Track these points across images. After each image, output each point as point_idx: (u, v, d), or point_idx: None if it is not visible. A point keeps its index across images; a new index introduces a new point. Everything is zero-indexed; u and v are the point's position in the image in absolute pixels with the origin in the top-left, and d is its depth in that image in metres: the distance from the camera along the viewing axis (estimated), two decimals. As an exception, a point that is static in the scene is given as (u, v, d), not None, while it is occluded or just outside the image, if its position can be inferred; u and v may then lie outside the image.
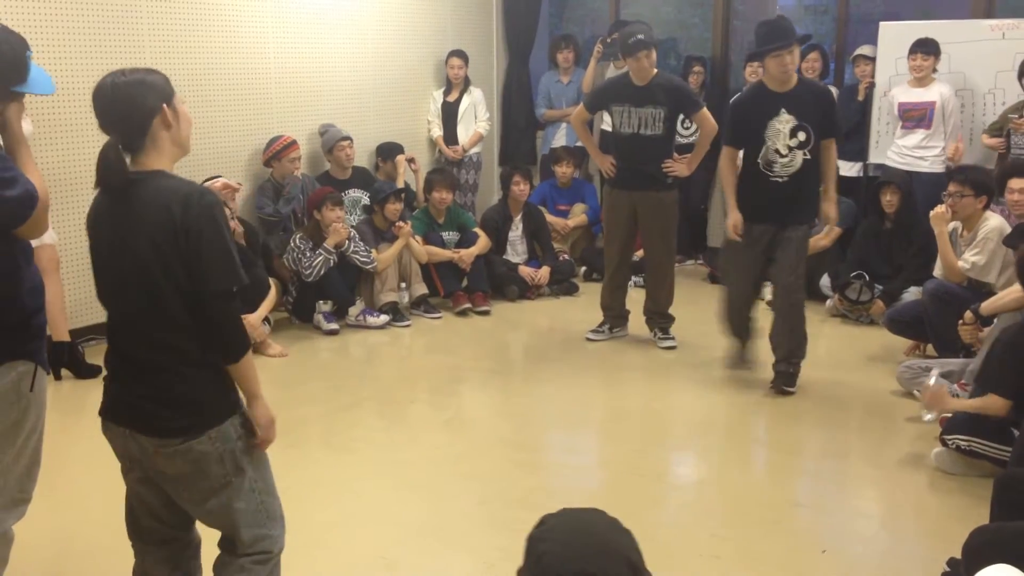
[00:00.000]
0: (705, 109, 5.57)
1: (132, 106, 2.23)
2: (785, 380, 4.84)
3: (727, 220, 5.00)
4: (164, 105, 2.25)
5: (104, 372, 2.36)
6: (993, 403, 3.72)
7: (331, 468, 3.98)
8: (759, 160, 4.76)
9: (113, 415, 2.33)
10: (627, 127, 5.46)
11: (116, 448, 2.37)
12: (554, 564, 1.48)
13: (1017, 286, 4.30)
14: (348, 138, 6.71)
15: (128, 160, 2.26)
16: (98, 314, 5.56)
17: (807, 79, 4.85)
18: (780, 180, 4.75)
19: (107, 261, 2.29)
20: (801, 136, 4.69)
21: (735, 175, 4.94)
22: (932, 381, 4.06)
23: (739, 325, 5.11)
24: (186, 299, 2.20)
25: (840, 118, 4.87)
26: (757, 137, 4.75)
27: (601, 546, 1.52)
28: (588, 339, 5.79)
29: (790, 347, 4.84)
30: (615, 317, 5.84)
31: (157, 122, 2.25)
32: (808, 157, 4.71)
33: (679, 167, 5.56)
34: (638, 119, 5.40)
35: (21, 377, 2.46)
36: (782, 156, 4.71)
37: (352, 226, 6.21)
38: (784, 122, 4.68)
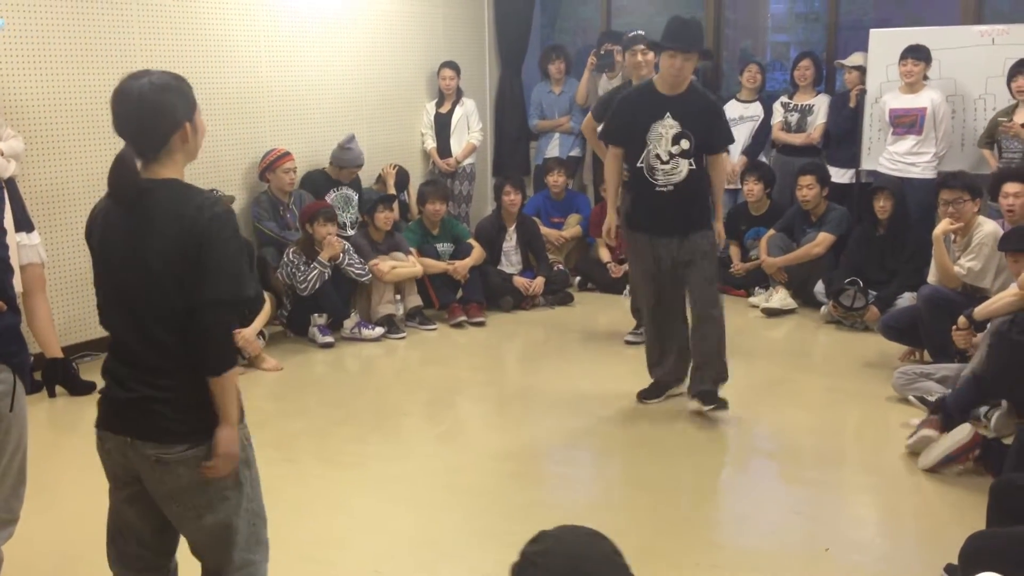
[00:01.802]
0: None
1: (156, 118, 2.17)
2: (710, 398, 4.57)
3: (604, 223, 4.87)
4: (187, 123, 2.22)
5: (101, 384, 2.29)
6: None
7: (325, 482, 3.97)
8: (641, 165, 4.56)
9: (114, 423, 2.25)
10: None
11: (111, 463, 2.30)
12: None
13: (1009, 290, 4.32)
14: (361, 164, 6.81)
15: (139, 165, 2.21)
16: (91, 330, 5.58)
17: (699, 89, 4.64)
18: (665, 190, 4.53)
19: (117, 269, 2.22)
20: (684, 144, 4.47)
21: (619, 175, 4.78)
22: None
23: (668, 342, 4.83)
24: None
25: (728, 131, 4.71)
26: (639, 139, 4.54)
27: None
28: (627, 342, 5.84)
29: (712, 360, 4.61)
30: None
31: (177, 136, 2.21)
32: (693, 167, 4.50)
33: None
34: None
35: (0, 397, 2.42)
36: (663, 163, 4.49)
37: (348, 239, 6.22)
38: (668, 127, 4.47)
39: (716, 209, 4.74)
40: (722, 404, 4.56)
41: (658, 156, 4.49)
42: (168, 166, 2.22)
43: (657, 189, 4.54)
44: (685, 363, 4.80)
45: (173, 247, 2.14)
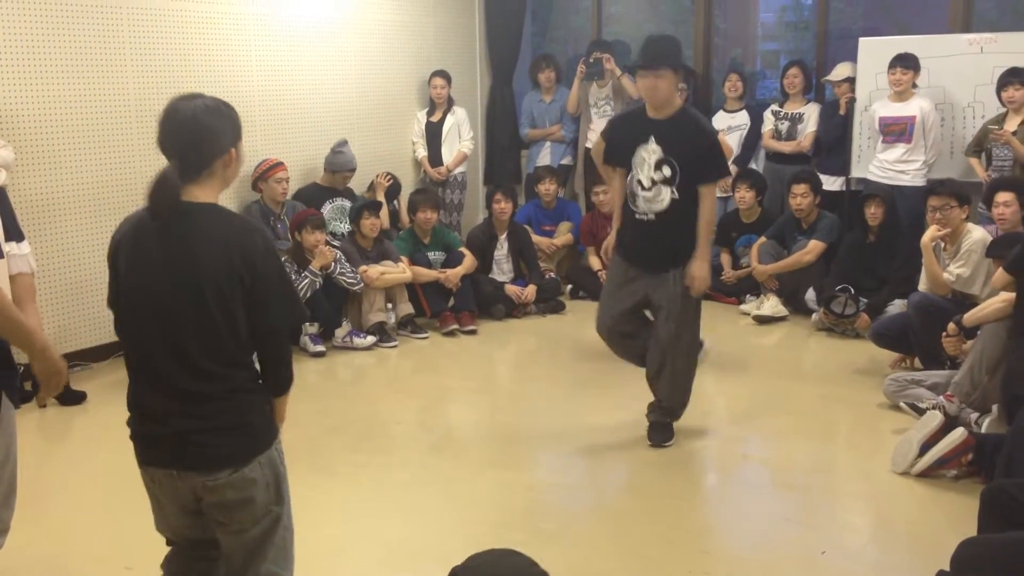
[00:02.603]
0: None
1: (205, 140, 2.21)
2: (658, 432, 4.40)
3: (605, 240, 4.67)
4: (233, 149, 2.26)
5: (130, 417, 2.30)
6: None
7: (317, 491, 3.95)
8: (626, 188, 4.34)
9: (156, 457, 2.27)
10: None
11: (160, 493, 2.33)
12: None
13: (998, 296, 4.34)
14: (354, 169, 6.84)
15: None
16: (81, 340, 5.57)
17: (692, 114, 4.28)
18: (646, 218, 4.24)
19: (154, 297, 2.20)
20: (666, 171, 4.15)
21: (622, 195, 4.45)
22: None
23: (619, 349, 4.57)
24: (243, 332, 2.22)
25: (720, 162, 4.28)
26: (626, 162, 4.31)
27: None
28: None
29: (665, 397, 4.41)
30: None
31: (221, 161, 2.25)
32: (677, 197, 4.15)
33: None
34: None
35: None
36: (644, 189, 4.20)
37: (337, 247, 6.22)
38: (650, 152, 4.17)
39: (698, 246, 4.22)
40: (660, 441, 4.39)
41: (639, 182, 4.22)
42: (206, 190, 2.24)
43: (637, 217, 4.29)
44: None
45: (225, 274, 2.16)
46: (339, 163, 6.77)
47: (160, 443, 2.24)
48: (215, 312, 2.17)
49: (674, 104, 4.22)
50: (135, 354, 2.27)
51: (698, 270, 4.21)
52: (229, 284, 2.16)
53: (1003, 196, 4.92)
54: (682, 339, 4.31)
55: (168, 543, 2.48)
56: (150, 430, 2.25)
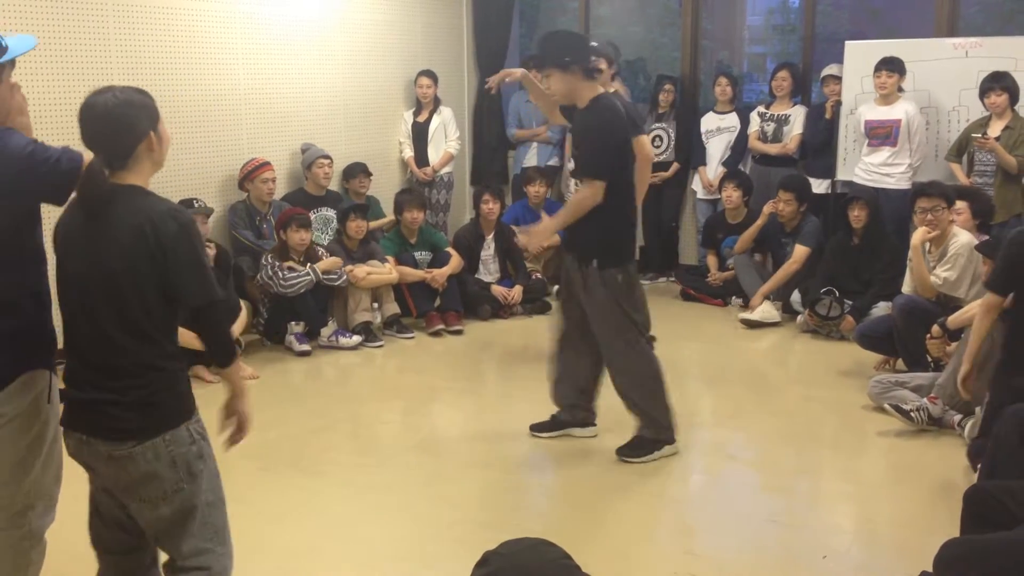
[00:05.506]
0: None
1: (121, 129, 2.30)
2: (626, 448, 4.28)
3: None
4: (152, 132, 2.34)
5: (61, 383, 2.44)
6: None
7: (302, 491, 3.95)
8: None
9: (70, 422, 2.39)
10: None
11: (77, 457, 2.43)
12: None
13: (982, 300, 4.36)
14: (328, 157, 6.74)
15: (107, 173, 2.33)
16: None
17: (598, 106, 4.03)
18: None
19: (78, 273, 2.34)
20: (575, 162, 4.17)
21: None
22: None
23: (553, 355, 4.51)
24: (159, 311, 2.31)
25: (602, 157, 3.98)
26: None
27: None
28: None
29: (623, 395, 4.32)
30: None
31: (143, 146, 2.33)
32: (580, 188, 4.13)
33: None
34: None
35: (40, 394, 2.55)
36: (571, 180, 4.35)
37: (323, 246, 6.22)
38: (573, 144, 4.26)
39: (554, 216, 4.18)
40: (631, 454, 4.26)
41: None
42: (135, 173, 2.35)
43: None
44: (572, 397, 4.52)
45: (135, 255, 2.26)
46: (311, 155, 6.71)
47: (76, 408, 2.37)
48: (128, 291, 2.27)
49: (583, 97, 4.07)
50: (66, 329, 2.41)
51: (536, 229, 4.32)
52: (143, 265, 2.26)
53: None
54: (614, 347, 4.20)
55: (96, 552, 2.54)
56: (72, 395, 2.38)
